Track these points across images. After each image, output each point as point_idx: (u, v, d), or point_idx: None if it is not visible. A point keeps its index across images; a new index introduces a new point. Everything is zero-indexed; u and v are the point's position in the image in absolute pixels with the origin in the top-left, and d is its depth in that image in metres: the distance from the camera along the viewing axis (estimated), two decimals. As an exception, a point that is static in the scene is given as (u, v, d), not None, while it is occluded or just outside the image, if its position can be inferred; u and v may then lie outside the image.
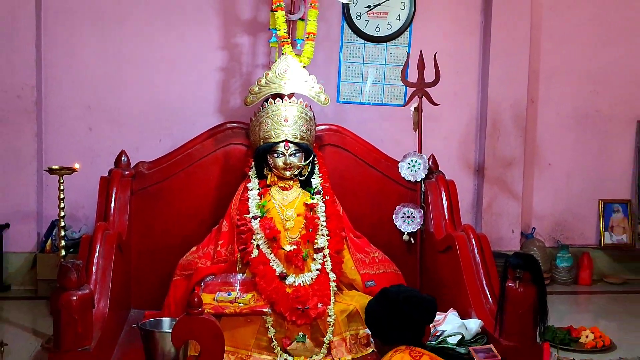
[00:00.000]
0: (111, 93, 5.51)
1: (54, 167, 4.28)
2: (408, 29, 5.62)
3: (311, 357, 3.86)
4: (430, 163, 4.74)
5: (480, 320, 3.84)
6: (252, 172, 4.36)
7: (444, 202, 4.58)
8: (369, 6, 5.54)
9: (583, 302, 5.77)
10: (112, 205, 4.31)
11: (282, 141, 4.23)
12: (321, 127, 4.72)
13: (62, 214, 4.24)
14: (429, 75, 4.64)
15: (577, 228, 6.21)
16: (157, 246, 4.57)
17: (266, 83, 4.38)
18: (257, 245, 4.12)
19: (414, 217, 4.66)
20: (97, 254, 3.77)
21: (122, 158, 4.60)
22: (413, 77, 4.69)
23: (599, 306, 5.64)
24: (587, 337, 4.59)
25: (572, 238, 6.18)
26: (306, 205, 4.27)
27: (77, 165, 4.33)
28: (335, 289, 4.12)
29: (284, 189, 4.30)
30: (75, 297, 3.24)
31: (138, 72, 5.52)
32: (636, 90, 6.15)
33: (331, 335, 3.94)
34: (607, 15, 6.05)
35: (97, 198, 4.39)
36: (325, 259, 4.16)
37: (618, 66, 6.10)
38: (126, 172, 4.54)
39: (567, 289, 5.90)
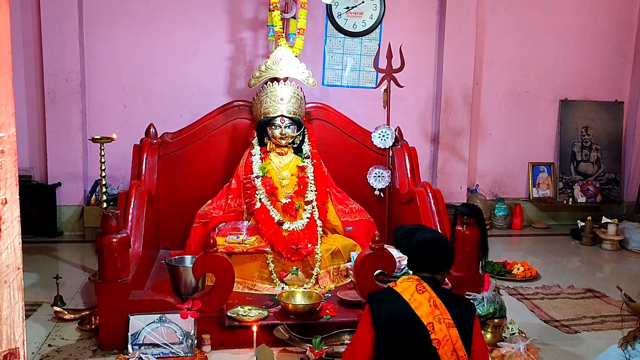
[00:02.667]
0: (142, 77, 5.44)
1: (96, 137, 4.23)
2: (379, 26, 5.56)
3: (303, 286, 3.87)
4: (396, 133, 4.72)
5: (435, 257, 3.84)
6: (255, 141, 4.32)
7: (407, 164, 4.56)
8: (347, 7, 5.48)
9: (515, 242, 5.81)
10: (144, 167, 4.28)
11: (279, 116, 4.19)
12: (310, 105, 4.67)
13: (104, 174, 4.20)
14: (396, 63, 4.60)
15: (511, 184, 6.23)
16: (180, 199, 4.55)
17: (265, 69, 4.33)
18: (260, 199, 4.11)
19: (383, 176, 4.65)
20: (132, 206, 3.75)
21: (151, 129, 4.55)
22: (383, 64, 4.65)
23: (528, 245, 5.68)
24: (518, 269, 4.64)
25: (507, 192, 6.21)
26: (298, 167, 4.25)
27: (114, 136, 4.29)
28: (321, 232, 4.13)
29: (281, 154, 4.27)
30: (115, 240, 3.23)
31: (164, 61, 5.44)
32: (558, 75, 6.14)
33: (318, 269, 3.95)
34: (534, 15, 6.00)
35: (131, 161, 4.35)
36: (313, 209, 4.16)
37: (543, 56, 6.08)
38: (154, 141, 4.49)
39: (503, 232, 5.94)
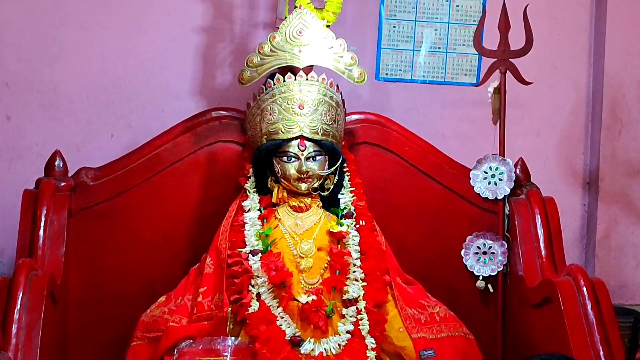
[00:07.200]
0: (43, 66, 5.46)
1: (-45, 176, 4.27)
2: (484, -29, 5.59)
3: None
4: (518, 171, 4.72)
5: (595, 410, 3.79)
6: (249, 184, 4.34)
7: (540, 230, 4.54)
8: (425, -64, 5.53)
9: None
10: (41, 232, 4.28)
11: (296, 138, 4.20)
12: (354, 117, 4.72)
13: (-33, 245, 4.22)
14: (516, 41, 4.58)
15: None
16: (107, 294, 4.57)
17: (272, 51, 4.34)
18: (258, 295, 4.08)
19: (493, 253, 4.65)
20: (18, 306, 3.71)
21: (57, 162, 4.57)
22: (492, 42, 4.64)
23: None
24: None
25: None
26: (331, 234, 4.24)
27: (-11, 173, 4.31)
28: (375, 360, 4.09)
29: (298, 209, 4.27)
30: (-15, 372, 3.21)
31: (83, 37, 5.47)
32: None
33: None
34: None
35: (19, 222, 4.37)
36: (360, 316, 4.12)
37: None
38: (62, 184, 4.50)
39: None
